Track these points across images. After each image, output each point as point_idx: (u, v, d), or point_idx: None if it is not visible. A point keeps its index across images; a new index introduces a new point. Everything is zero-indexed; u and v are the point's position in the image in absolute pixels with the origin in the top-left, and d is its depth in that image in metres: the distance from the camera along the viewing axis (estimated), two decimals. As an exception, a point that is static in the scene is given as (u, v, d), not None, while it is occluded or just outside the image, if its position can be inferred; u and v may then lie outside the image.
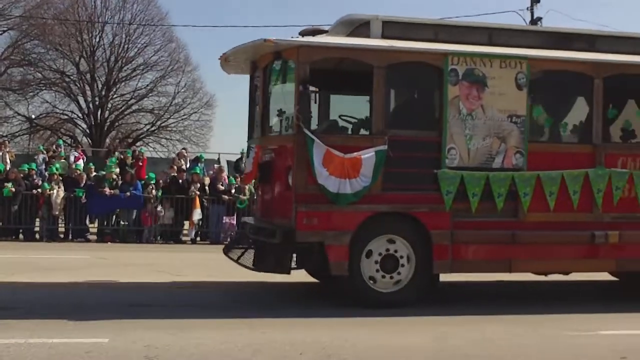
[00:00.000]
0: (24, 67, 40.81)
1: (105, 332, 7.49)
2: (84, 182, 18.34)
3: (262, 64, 9.72)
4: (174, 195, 18.59)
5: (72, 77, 41.50)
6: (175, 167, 19.81)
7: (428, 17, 10.54)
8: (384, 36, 9.57)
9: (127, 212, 18.48)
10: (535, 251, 9.57)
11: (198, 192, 18.51)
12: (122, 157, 20.89)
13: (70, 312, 8.42)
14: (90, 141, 41.03)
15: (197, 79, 42.71)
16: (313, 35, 9.64)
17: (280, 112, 9.61)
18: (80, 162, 20.17)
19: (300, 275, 10.27)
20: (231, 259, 9.89)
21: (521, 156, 9.52)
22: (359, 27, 9.78)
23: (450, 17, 31.25)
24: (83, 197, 17.94)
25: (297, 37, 9.37)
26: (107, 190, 18.01)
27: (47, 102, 41.90)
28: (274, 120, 9.89)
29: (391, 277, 9.16)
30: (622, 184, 9.81)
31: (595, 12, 57.73)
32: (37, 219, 18.10)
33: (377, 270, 9.09)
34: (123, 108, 42.87)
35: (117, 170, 18.80)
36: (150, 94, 42.70)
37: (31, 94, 41.31)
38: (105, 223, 18.43)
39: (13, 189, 17.43)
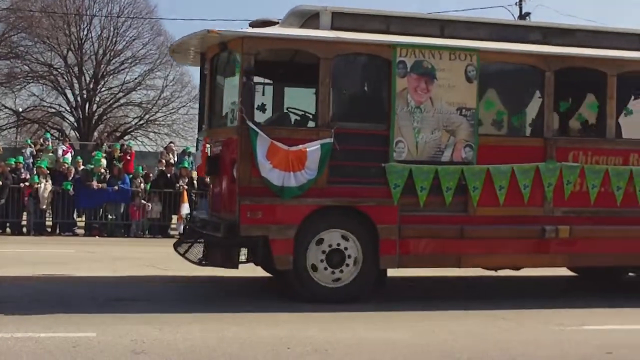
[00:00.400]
0: (11, 59, 40.56)
1: (92, 327, 7.47)
2: (72, 175, 18.25)
3: (210, 55, 9.62)
4: (162, 189, 18.52)
5: (59, 70, 41.30)
6: (163, 161, 19.69)
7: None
8: (333, 27, 9.45)
9: (115, 206, 18.42)
10: (484, 246, 9.47)
11: (186, 187, 18.39)
12: (110, 150, 20.79)
13: (56, 306, 8.39)
14: (78, 135, 40.86)
15: (186, 72, 42.52)
16: (263, 27, 9.54)
17: (227, 104, 9.49)
18: (68, 156, 20.16)
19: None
20: (179, 253, 9.79)
21: (471, 150, 9.42)
22: (310, 18, 9.72)
23: (436, 12, 31.24)
24: (71, 190, 17.82)
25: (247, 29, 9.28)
26: (95, 184, 17.93)
27: (35, 95, 41.78)
28: (222, 112, 9.78)
29: (335, 272, 9.04)
30: (573, 178, 9.71)
31: (586, 7, 57.46)
32: (24, 213, 17.99)
33: (322, 261, 8.99)
34: (111, 101, 42.71)
35: (105, 163, 18.70)
36: (138, 88, 42.55)
37: (18, 87, 41.14)
38: (93, 217, 18.33)
39: (0, 183, 17.34)
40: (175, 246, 10.00)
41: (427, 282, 11.10)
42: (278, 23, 9.86)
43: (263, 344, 7.03)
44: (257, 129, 8.77)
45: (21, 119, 41.52)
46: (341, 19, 9.50)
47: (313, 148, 8.92)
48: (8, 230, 17.96)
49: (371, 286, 9.29)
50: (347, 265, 9.09)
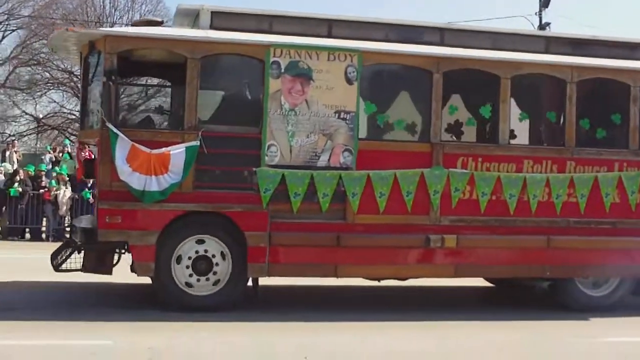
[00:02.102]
0: (32, 66, 40.53)
1: (108, 334, 7.49)
2: (91, 182, 17.92)
3: (84, 55, 9.33)
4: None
5: (79, 77, 41.09)
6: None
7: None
8: (213, 27, 9.12)
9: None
10: (364, 255, 9.05)
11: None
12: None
13: (74, 313, 8.41)
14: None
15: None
16: (145, 26, 9.26)
17: (95, 105, 9.19)
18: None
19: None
20: (52, 264, 9.40)
21: (350, 154, 9.03)
22: (193, 17, 9.40)
23: (457, 22, 30.82)
24: (90, 198, 17.42)
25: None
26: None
27: (55, 101, 41.43)
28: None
29: (207, 280, 8.74)
30: (462, 186, 9.27)
31: (605, 17, 56.45)
32: (44, 219, 17.82)
33: (187, 267, 8.67)
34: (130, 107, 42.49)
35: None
36: (157, 94, 42.29)
37: (39, 93, 40.98)
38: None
39: (20, 189, 17.24)
40: (52, 257, 9.59)
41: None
42: (162, 23, 9.58)
43: (281, 353, 7.17)
44: (117, 131, 8.46)
45: (41, 125, 41.50)
46: (221, 18, 9.16)
47: (177, 151, 8.58)
48: (27, 236, 17.79)
49: (240, 294, 8.93)
50: (215, 273, 8.75)
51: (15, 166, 18.56)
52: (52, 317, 8.13)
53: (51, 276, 9.84)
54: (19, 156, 20.13)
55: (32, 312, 8.39)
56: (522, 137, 10.02)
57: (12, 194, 17.18)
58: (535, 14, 33.18)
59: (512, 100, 10.14)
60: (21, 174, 17.56)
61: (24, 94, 40.93)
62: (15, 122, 41.53)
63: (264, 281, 9.35)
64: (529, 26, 31.60)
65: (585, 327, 9.07)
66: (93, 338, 7.34)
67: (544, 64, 9.63)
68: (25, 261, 13.12)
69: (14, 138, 31.53)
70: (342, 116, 9.01)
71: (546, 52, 10.00)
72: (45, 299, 9.32)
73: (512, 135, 10.39)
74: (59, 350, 6.84)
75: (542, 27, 32.10)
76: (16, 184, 17.24)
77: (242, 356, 7.12)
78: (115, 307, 8.90)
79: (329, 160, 8.98)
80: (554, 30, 29.33)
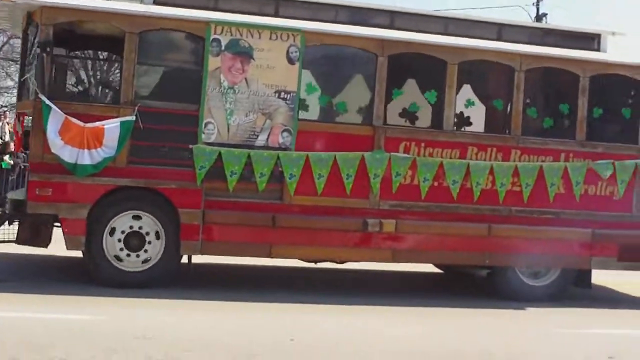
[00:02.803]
0: None
1: (101, 310, 7.49)
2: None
3: (23, 26, 9.23)
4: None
5: None
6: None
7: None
8: (157, 2, 9.04)
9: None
10: (299, 237, 8.97)
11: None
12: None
13: (63, 287, 8.40)
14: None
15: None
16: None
17: (30, 77, 9.10)
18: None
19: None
20: None
21: (289, 135, 8.94)
22: (146, -8, 9.28)
23: (456, 10, 30.69)
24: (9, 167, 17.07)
25: None
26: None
27: None
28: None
29: (137, 256, 8.67)
30: (403, 170, 9.18)
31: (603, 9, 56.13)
32: None
33: (120, 240, 8.59)
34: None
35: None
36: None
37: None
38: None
39: (11, 162, 17.11)
40: None
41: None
42: None
43: (269, 333, 7.03)
44: (50, 104, 8.38)
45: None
46: (166, -6, 9.07)
47: (112, 125, 8.50)
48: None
49: (173, 272, 8.87)
50: (150, 243, 8.68)
51: (7, 138, 18.32)
52: (39, 291, 8.15)
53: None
54: (11, 128, 19.91)
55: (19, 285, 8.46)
56: (479, 124, 9.91)
57: (3, 167, 16.82)
58: (533, 4, 33.00)
59: (468, 87, 10.14)
60: (11, 146, 17.29)
61: (17, 65, 40.66)
62: (8, 93, 41.38)
63: (200, 259, 9.31)
64: (526, 17, 31.50)
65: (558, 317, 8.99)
66: (85, 313, 7.35)
67: (491, 51, 9.53)
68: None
69: (6, 109, 31.29)
70: (282, 96, 8.91)
71: (498, 39, 9.91)
72: (32, 272, 9.32)
73: (468, 122, 10.36)
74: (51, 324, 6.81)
75: (539, 18, 31.95)
76: (7, 157, 16.95)
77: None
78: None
79: (267, 139, 8.90)
80: (551, 22, 29.31)
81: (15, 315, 7.09)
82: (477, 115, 10.05)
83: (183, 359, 6.10)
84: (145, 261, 8.71)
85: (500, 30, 9.96)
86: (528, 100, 9.79)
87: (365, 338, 7.22)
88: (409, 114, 9.83)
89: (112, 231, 8.62)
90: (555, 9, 52.04)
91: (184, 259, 9.12)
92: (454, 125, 9.59)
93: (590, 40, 10.22)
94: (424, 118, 9.76)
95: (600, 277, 10.59)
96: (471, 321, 8.46)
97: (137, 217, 8.69)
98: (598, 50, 10.21)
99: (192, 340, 6.61)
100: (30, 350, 5.97)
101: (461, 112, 10.40)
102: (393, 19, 9.64)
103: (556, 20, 39.42)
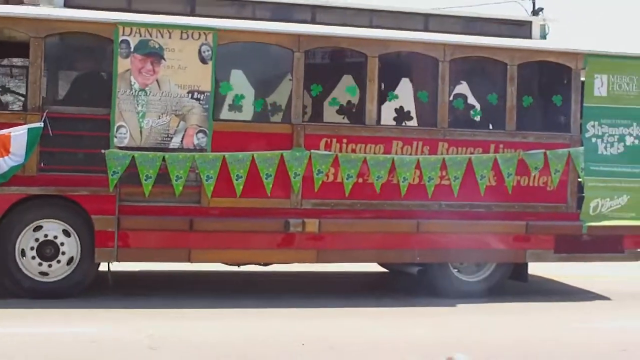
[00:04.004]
0: None
1: (105, 322, 7.46)
2: None
3: None
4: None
5: None
6: None
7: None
8: (67, 4, 8.86)
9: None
10: (219, 240, 8.76)
11: None
12: None
13: (66, 300, 8.29)
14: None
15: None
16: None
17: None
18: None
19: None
20: None
21: (204, 136, 8.73)
22: (62, -4, 9.09)
23: (452, 7, 30.42)
24: None
25: None
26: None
27: None
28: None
29: (50, 266, 8.46)
30: (325, 168, 8.95)
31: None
32: None
33: (32, 248, 8.37)
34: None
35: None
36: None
37: None
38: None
39: None
40: None
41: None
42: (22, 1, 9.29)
43: (280, 340, 6.98)
44: (-49, 113, 8.22)
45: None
46: (76, -4, 8.89)
47: (18, 133, 8.31)
48: None
49: (90, 281, 8.67)
50: (64, 253, 8.49)
51: None
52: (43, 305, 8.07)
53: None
54: None
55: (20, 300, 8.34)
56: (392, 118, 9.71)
57: None
58: (529, -1, 32.78)
59: (407, 80, 9.94)
60: None
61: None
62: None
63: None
64: (521, 11, 31.20)
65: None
66: (91, 326, 7.30)
67: (414, 42, 9.30)
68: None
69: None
70: (195, 96, 8.70)
71: (425, 30, 9.69)
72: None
73: (409, 116, 10.16)
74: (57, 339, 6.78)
75: (535, 12, 31.67)
76: None
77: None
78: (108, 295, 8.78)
79: (182, 141, 8.69)
80: (548, 17, 28.89)
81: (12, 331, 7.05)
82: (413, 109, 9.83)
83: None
84: (69, 262, 8.51)
85: (427, 21, 9.74)
86: (455, 91, 9.54)
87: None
88: (340, 110, 9.62)
89: (24, 241, 8.43)
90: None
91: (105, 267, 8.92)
92: (394, 120, 9.53)
93: (521, 28, 9.99)
94: (346, 113, 9.54)
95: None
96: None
97: (38, 228, 8.46)
98: (530, 37, 9.97)
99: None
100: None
101: (401, 107, 10.23)
102: (315, 13, 9.44)
103: (553, 15, 39.04)
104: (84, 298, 8.46)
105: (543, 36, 10.26)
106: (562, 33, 10.46)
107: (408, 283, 10.03)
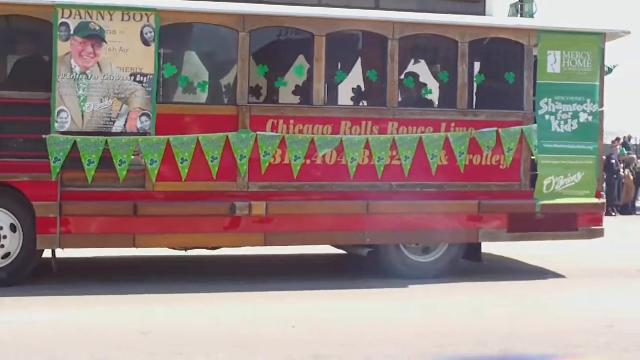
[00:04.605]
0: None
1: (96, 308, 7.51)
2: None
3: None
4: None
5: None
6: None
7: None
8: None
9: None
10: (164, 224, 8.66)
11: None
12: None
13: (55, 287, 8.37)
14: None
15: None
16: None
17: None
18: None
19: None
20: None
21: (148, 119, 8.60)
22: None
23: None
24: None
25: None
26: None
27: None
28: None
29: (-7, 252, 8.41)
30: (272, 149, 8.83)
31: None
32: None
33: None
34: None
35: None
36: None
37: None
38: None
39: None
40: None
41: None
42: None
43: (270, 322, 7.07)
44: None
45: None
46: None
47: (-44, 119, 8.21)
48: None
49: (34, 267, 8.59)
50: (3, 246, 8.40)
51: None
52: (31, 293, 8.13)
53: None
54: None
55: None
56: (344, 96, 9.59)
57: None
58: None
59: (357, 60, 9.80)
60: None
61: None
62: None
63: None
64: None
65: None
66: (79, 313, 7.34)
67: (361, 20, 9.14)
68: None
69: None
70: (138, 79, 8.56)
71: (376, 8, 9.52)
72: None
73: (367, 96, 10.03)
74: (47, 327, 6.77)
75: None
76: None
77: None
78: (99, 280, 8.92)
79: (125, 125, 8.57)
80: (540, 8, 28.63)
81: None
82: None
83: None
84: (4, 256, 8.43)
85: (378, -1, 9.56)
86: (405, 70, 9.40)
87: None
88: (296, 90, 9.49)
89: (-35, 228, 8.35)
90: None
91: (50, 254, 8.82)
92: (351, 99, 9.47)
93: (475, 5, 9.80)
94: (295, 93, 9.41)
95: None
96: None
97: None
98: (483, 14, 9.80)
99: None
100: (30, 353, 5.88)
101: (358, 86, 10.10)
102: (272, -5, 9.25)
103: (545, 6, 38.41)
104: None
105: (530, 15, 10.06)
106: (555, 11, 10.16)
107: (360, 264, 9.91)
